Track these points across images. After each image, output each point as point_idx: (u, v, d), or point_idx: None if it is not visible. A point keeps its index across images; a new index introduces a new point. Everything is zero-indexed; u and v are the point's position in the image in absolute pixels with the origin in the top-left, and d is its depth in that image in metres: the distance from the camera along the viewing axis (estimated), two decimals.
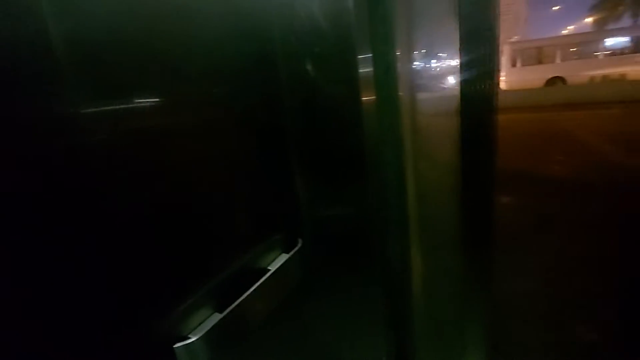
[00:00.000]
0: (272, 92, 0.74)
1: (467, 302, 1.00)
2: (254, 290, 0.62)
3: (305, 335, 0.85)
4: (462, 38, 0.76)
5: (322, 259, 0.85)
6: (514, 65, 12.13)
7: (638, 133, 5.64)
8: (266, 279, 0.65)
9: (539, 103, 9.01)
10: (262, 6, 0.69)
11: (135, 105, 0.45)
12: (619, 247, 2.59)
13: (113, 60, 0.42)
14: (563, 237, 2.83)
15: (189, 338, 0.50)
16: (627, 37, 11.47)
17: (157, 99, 0.48)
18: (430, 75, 0.92)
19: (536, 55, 12.15)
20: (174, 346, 0.49)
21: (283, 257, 0.74)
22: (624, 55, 11.25)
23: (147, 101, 0.47)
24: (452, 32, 0.75)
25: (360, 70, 0.69)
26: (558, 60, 11.79)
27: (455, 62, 0.79)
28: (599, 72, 11.06)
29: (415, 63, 0.90)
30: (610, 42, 11.70)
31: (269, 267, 0.70)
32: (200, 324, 0.53)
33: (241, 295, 0.59)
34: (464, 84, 0.80)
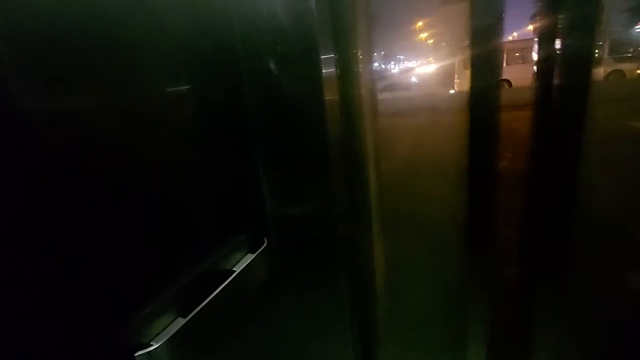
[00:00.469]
0: (234, 90, 0.73)
1: (435, 300, 1.04)
2: (219, 292, 0.61)
3: (272, 335, 0.85)
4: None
5: (288, 258, 0.85)
6: (466, 68, 12.85)
7: None
8: (231, 280, 0.64)
9: None
10: (222, 1, 0.68)
11: (89, 102, 0.42)
12: None
13: (67, 56, 0.39)
14: None
15: (151, 345, 0.48)
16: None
17: (113, 96, 0.46)
18: (390, 75, 0.95)
19: None
20: (136, 354, 0.47)
21: (249, 258, 0.73)
22: None
23: (103, 98, 0.44)
24: (411, 34, 0.79)
25: (324, 70, 0.70)
26: (504, 65, 12.67)
27: (412, 63, 0.82)
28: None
29: (375, 64, 0.92)
30: None
31: (234, 269, 0.69)
32: (163, 330, 0.51)
33: (206, 298, 0.58)
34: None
